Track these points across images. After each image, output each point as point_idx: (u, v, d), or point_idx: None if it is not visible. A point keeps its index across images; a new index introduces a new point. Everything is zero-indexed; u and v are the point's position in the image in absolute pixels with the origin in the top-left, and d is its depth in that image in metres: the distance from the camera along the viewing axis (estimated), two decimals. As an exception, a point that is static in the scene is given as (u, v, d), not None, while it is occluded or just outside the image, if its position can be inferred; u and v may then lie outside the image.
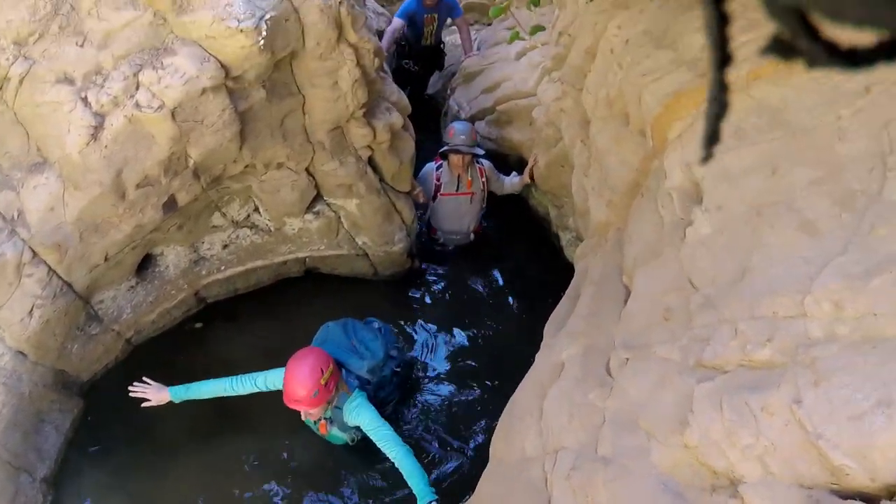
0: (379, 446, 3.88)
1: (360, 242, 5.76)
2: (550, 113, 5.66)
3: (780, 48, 0.57)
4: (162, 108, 3.84)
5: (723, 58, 0.61)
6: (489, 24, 8.41)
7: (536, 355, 3.75)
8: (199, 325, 5.60)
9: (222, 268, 5.50)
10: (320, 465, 4.60)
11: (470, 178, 6.16)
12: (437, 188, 6.18)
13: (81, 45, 3.83)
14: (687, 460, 2.22)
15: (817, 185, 2.28)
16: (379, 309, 5.32)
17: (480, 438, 4.79)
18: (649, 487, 2.28)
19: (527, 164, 6.30)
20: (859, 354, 1.85)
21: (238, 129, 4.27)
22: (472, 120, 7.27)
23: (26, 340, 4.11)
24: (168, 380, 4.16)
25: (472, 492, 3.63)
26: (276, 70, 4.35)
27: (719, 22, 0.59)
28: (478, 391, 5.19)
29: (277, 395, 3.94)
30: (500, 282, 6.30)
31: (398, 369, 4.82)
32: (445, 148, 6.10)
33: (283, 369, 3.92)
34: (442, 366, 5.47)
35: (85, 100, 3.82)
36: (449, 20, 7.88)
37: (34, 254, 4.01)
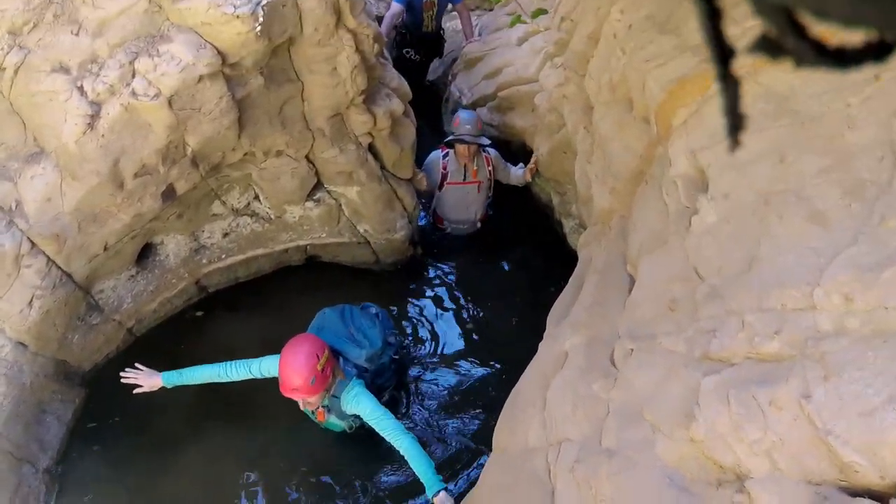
0: (383, 436, 3.83)
1: (361, 230, 5.72)
2: (553, 99, 5.60)
3: (768, 46, 0.57)
4: (158, 97, 3.80)
5: (721, 52, 0.61)
6: (490, 10, 8.35)
7: (540, 345, 3.72)
8: (199, 313, 5.59)
9: (223, 256, 5.48)
10: (321, 455, 4.58)
11: (476, 168, 6.12)
12: (444, 177, 6.14)
13: (76, 34, 3.78)
14: (693, 454, 2.18)
15: (826, 174, 2.23)
16: (380, 297, 5.28)
17: (480, 427, 4.76)
18: (654, 481, 2.25)
19: (528, 150, 6.25)
20: (870, 349, 1.80)
21: (236, 117, 4.22)
22: (473, 106, 7.22)
23: (27, 331, 4.09)
24: (169, 368, 4.13)
25: (472, 480, 3.61)
26: (274, 56, 4.30)
27: (712, 16, 0.59)
28: (479, 380, 5.17)
29: (278, 384, 3.88)
30: (503, 270, 6.26)
31: (396, 356, 4.77)
32: (451, 137, 6.06)
33: (277, 356, 3.84)
34: (443, 354, 5.44)
35: (81, 89, 3.78)
36: (449, 6, 7.79)
37: (32, 244, 3.98)
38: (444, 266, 6.40)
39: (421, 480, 3.68)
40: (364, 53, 4.61)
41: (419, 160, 5.95)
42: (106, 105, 3.82)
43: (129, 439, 4.54)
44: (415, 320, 5.75)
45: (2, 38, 3.73)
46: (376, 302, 4.91)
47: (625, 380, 2.68)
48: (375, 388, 4.28)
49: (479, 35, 7.89)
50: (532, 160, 6.03)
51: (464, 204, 6.31)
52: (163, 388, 4.03)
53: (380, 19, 7.01)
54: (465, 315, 5.83)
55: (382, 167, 5.44)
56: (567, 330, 3.37)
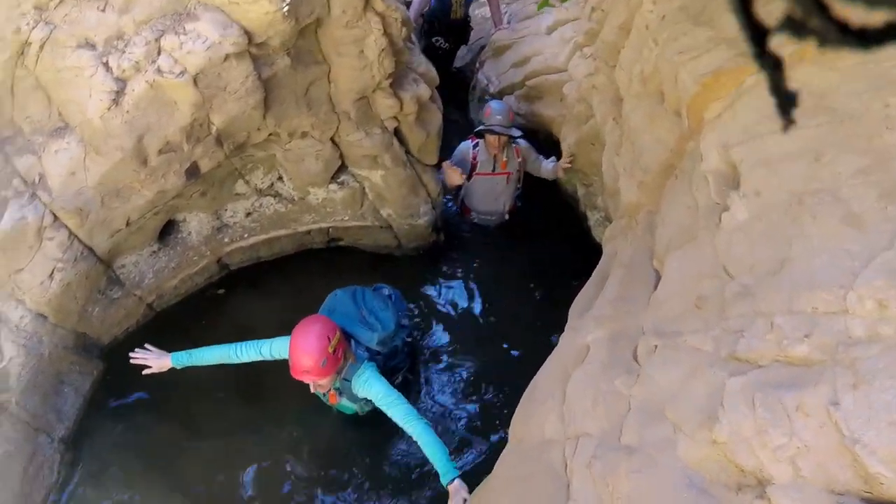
0: (395, 421, 3.77)
1: (384, 214, 5.69)
2: (582, 89, 5.54)
3: (793, 26, 0.59)
4: (184, 74, 3.78)
5: (755, 33, 0.63)
6: (520, -2, 8.25)
7: (561, 337, 3.68)
8: (221, 291, 5.61)
9: (245, 235, 5.48)
10: (332, 437, 4.60)
11: (506, 159, 6.07)
12: (473, 167, 6.08)
13: (103, 10, 3.77)
14: (714, 456, 2.13)
15: (864, 175, 2.16)
16: (401, 282, 5.25)
17: (495, 416, 4.74)
18: (674, 481, 2.20)
19: (555, 140, 6.19)
20: (903, 357, 1.75)
21: (262, 97, 4.20)
22: (500, 94, 7.16)
23: (47, 303, 4.11)
24: (189, 345, 4.14)
25: (486, 469, 3.58)
26: (301, 37, 4.27)
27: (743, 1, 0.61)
28: (496, 369, 5.13)
29: (288, 366, 3.83)
30: (525, 260, 6.21)
31: (409, 339, 4.70)
32: (481, 127, 6.01)
33: (288, 338, 3.77)
34: (460, 341, 5.41)
35: (106, 65, 3.77)
36: (478, -7, 7.73)
37: (55, 218, 4.00)
38: (466, 254, 6.37)
39: (434, 467, 3.62)
40: (392, 37, 4.57)
41: (444, 148, 5.89)
42: (131, 82, 3.81)
43: (145, 412, 4.58)
44: (434, 306, 5.73)
45: (28, 13, 3.72)
46: (396, 286, 4.87)
47: (648, 376, 2.63)
48: (388, 371, 4.24)
49: (508, 23, 7.80)
50: (567, 157, 5.93)
51: (492, 195, 6.26)
52: (173, 368, 4.00)
53: (407, 5, 6.96)
54: (484, 304, 5.80)
55: (408, 152, 5.40)
56: (590, 323, 3.33)
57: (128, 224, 4.37)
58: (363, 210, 5.67)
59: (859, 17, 0.53)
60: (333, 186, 5.45)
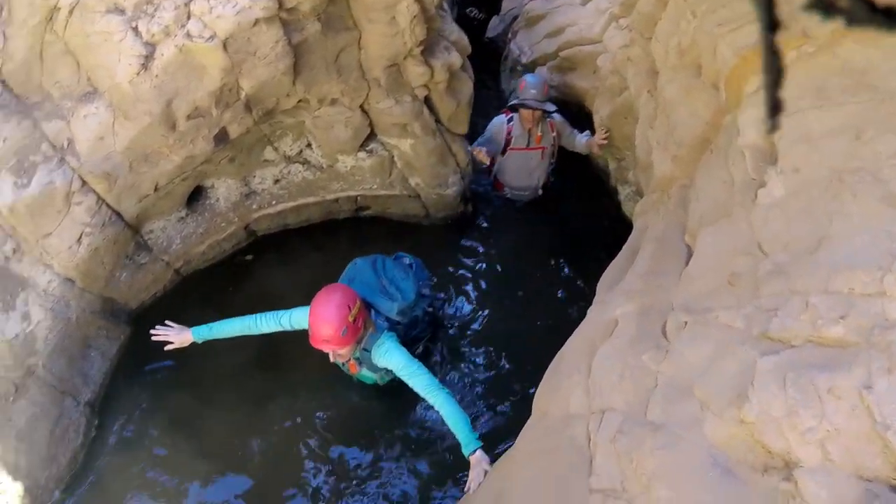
0: (416, 391, 3.74)
1: (412, 183, 5.66)
2: (616, 61, 5.45)
3: (821, 5, 0.59)
4: (213, 39, 3.76)
5: (771, 21, 0.64)
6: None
7: (588, 310, 3.63)
8: (249, 257, 5.63)
9: (273, 202, 5.49)
10: (355, 407, 4.62)
11: (540, 133, 5.98)
12: (507, 142, 6.00)
13: (132, -26, 3.75)
14: (741, 436, 2.09)
15: (905, 155, 2.09)
16: (426, 251, 5.24)
17: (518, 388, 4.72)
18: (699, 460, 2.17)
19: (587, 112, 6.09)
20: (942, 343, 1.69)
21: (291, 62, 4.17)
22: (533, 65, 7.07)
23: (74, 267, 4.14)
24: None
25: (508, 441, 3.56)
26: (332, 3, 4.22)
27: None
28: (520, 341, 5.09)
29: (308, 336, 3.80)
30: (553, 233, 6.15)
31: (430, 309, 4.66)
32: (515, 101, 5.93)
33: (307, 308, 3.73)
34: (485, 312, 5.39)
35: (135, 29, 3.76)
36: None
37: (83, 182, 4.02)
38: (494, 225, 6.33)
39: (456, 437, 3.60)
40: (424, 3, 4.50)
41: (474, 118, 5.82)
42: (160, 46, 3.79)
43: (170, 377, 4.62)
44: (459, 276, 5.71)
45: (57, -23, 3.71)
46: (422, 257, 4.84)
47: (676, 353, 2.58)
48: (409, 341, 4.22)
49: (543, -8, 7.67)
50: (602, 133, 5.81)
51: (526, 170, 6.18)
52: (195, 342, 4.00)
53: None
54: (510, 275, 5.75)
55: (438, 121, 5.35)
56: (619, 297, 3.28)
57: (156, 189, 4.39)
58: (391, 179, 5.64)
59: None
60: (362, 154, 5.42)
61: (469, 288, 5.61)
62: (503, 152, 6.06)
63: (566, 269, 5.77)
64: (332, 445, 4.42)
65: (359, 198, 5.81)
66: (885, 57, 2.31)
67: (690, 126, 3.55)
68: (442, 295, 5.40)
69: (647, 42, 4.28)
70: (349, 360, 3.99)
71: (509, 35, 8.09)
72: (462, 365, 4.97)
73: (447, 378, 4.81)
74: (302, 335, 3.84)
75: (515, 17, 8.10)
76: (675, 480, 2.19)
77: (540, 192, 6.38)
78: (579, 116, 6.37)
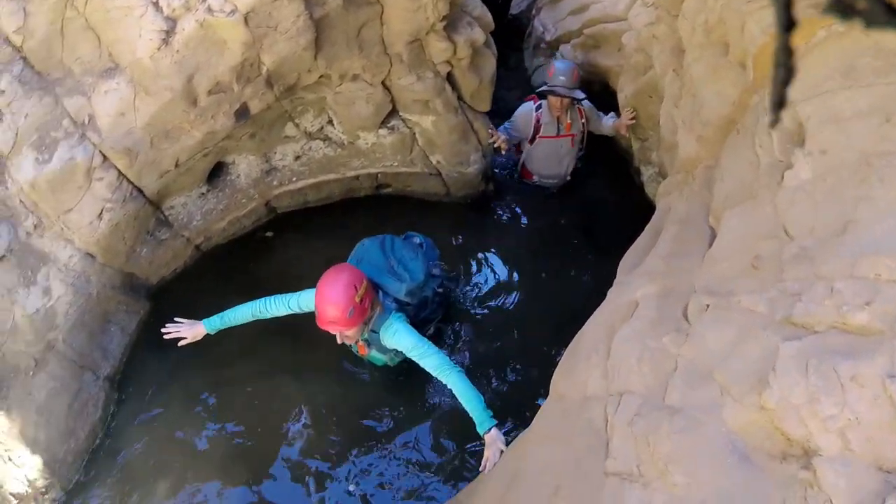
0: (429, 371, 3.69)
1: (433, 161, 5.63)
2: (641, 39, 5.35)
3: (840, 7, 0.59)
4: (234, 13, 3.74)
5: (788, 19, 0.65)
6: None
7: (608, 291, 3.59)
8: (269, 233, 5.65)
9: (294, 179, 5.49)
10: (368, 386, 4.64)
11: (570, 121, 5.88)
12: (536, 130, 5.92)
13: (154, -53, 3.73)
14: (761, 422, 2.05)
15: (936, 139, 2.02)
16: (445, 230, 5.22)
17: (534, 369, 4.69)
18: (717, 445, 2.14)
19: (612, 91, 6.00)
20: (971, 332, 1.64)
21: (313, 37, 4.14)
22: (556, 43, 6.97)
23: (95, 243, 4.17)
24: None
25: (524, 421, 3.54)
26: (354, -23, 4.17)
27: None
28: (536, 322, 5.08)
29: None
30: (574, 214, 6.10)
31: (440, 289, 4.60)
32: (543, 88, 5.83)
33: (314, 290, 3.70)
34: (503, 292, 5.37)
35: (156, 4, 3.75)
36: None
37: (104, 158, 4.03)
38: (514, 204, 6.29)
39: (470, 416, 3.55)
40: (447, -22, 4.45)
41: (497, 95, 5.75)
42: (181, 21, 3.78)
43: (189, 353, 4.63)
44: (478, 256, 5.69)
45: (79, -49, 3.70)
46: (441, 235, 4.81)
47: (697, 336, 2.54)
48: (420, 322, 4.18)
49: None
50: (629, 114, 5.71)
51: (556, 158, 6.10)
52: (208, 334, 3.99)
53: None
54: (529, 255, 5.73)
55: (460, 98, 5.31)
56: (640, 279, 3.24)
57: (177, 165, 4.39)
58: (412, 156, 5.61)
59: None
60: (383, 131, 5.40)
61: (487, 268, 5.59)
62: (531, 140, 5.98)
63: (586, 251, 5.72)
64: (348, 425, 4.44)
65: (379, 175, 5.79)
66: (919, 38, 2.25)
67: (717, 106, 3.48)
68: (454, 273, 5.35)
69: (674, 19, 4.19)
70: (357, 341, 3.96)
71: (533, 11, 7.99)
72: (475, 344, 4.96)
73: (460, 359, 4.79)
74: (313, 316, 3.84)
75: (540, -6, 8.00)
76: (692, 465, 2.16)
77: (568, 178, 6.29)
78: (603, 95, 6.29)
